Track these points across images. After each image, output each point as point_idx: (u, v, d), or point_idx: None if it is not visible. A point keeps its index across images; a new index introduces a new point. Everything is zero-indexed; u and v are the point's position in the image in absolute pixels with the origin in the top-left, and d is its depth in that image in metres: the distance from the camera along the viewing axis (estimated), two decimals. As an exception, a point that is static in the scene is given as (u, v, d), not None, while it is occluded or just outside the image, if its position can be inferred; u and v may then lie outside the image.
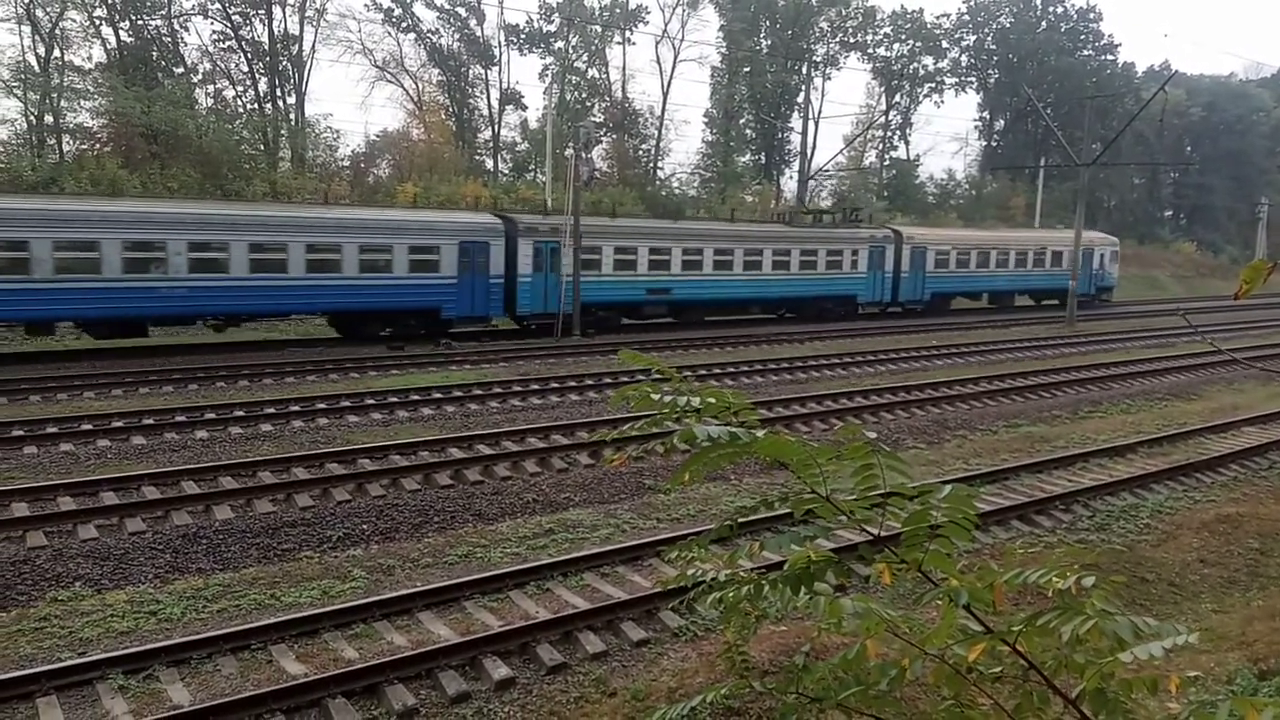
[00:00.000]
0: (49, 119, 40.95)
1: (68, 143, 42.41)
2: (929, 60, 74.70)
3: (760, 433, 2.31)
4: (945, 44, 75.61)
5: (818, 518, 2.47)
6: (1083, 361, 27.86)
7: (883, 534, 2.44)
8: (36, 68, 41.12)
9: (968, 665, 2.44)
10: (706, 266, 34.06)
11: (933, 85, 75.13)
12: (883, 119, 73.86)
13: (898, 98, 74.95)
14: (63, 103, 40.92)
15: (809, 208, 46.05)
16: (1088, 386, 23.68)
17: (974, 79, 77.59)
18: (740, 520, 2.74)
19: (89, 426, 16.03)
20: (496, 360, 25.49)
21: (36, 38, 41.75)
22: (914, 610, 8.38)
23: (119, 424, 16.30)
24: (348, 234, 26.57)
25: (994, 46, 77.88)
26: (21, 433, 15.51)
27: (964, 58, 77.51)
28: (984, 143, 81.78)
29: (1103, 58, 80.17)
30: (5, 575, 10.00)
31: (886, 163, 74.69)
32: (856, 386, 22.42)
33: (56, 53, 42.39)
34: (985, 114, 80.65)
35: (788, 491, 2.60)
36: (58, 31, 42.21)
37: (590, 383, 21.79)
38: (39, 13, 41.15)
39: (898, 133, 75.85)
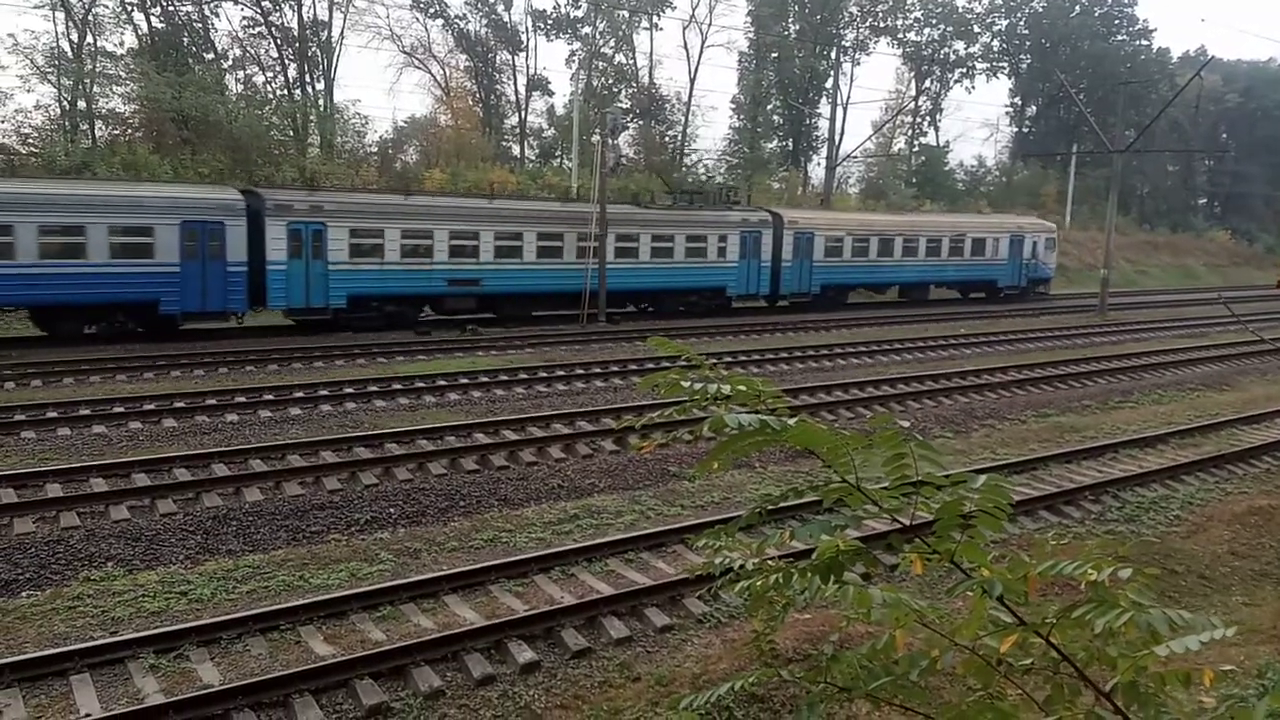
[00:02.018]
0: (82, 104, 41.38)
1: (100, 128, 42.86)
2: (960, 45, 73.77)
3: (791, 420, 2.30)
4: (977, 29, 74.61)
5: (847, 506, 2.46)
6: (1113, 351, 27.54)
7: (913, 523, 2.43)
8: (69, 53, 41.54)
9: (998, 657, 2.43)
10: (528, 254, 29.42)
11: (964, 70, 74.18)
12: (912, 105, 73.18)
13: (928, 83, 74.18)
14: (95, 88, 41.34)
15: (673, 187, 40.11)
16: (1118, 376, 23.41)
17: (1006, 64, 76.53)
18: (769, 508, 2.73)
19: (121, 409, 16.25)
20: (523, 346, 25.56)
21: (70, 24, 42.15)
22: (940, 600, 8.33)
23: (150, 407, 16.51)
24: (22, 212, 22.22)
25: (1026, 31, 76.78)
26: (55, 415, 15.73)
27: (996, 43, 76.44)
28: (1015, 129, 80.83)
29: (1137, 43, 78.83)
30: (40, 555, 10.16)
31: (916, 149, 73.98)
32: (883, 375, 22.29)
33: (89, 39, 42.80)
34: (1017, 100, 79.62)
35: (814, 480, 2.59)
36: (90, 17, 42.59)
37: (616, 369, 21.81)
38: (72, -1, 41.54)
39: (927, 119, 75.15)
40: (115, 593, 9.39)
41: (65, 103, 42.01)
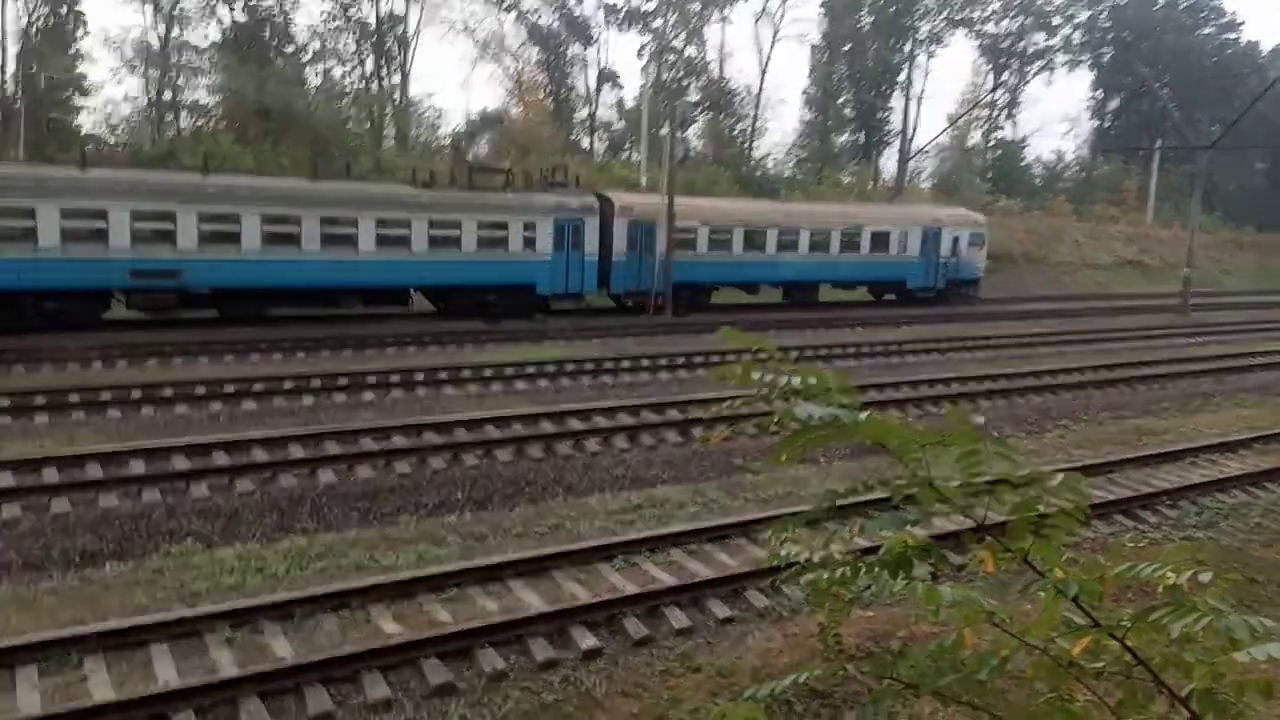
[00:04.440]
0: (167, 96, 42.73)
1: (184, 119, 44.22)
2: (1040, 37, 71.86)
3: (863, 415, 2.30)
4: (1057, 20, 72.56)
5: (917, 503, 2.44)
6: (1195, 352, 26.68)
7: (985, 522, 2.41)
8: (157, 46, 42.92)
9: (1069, 659, 2.40)
10: (250, 240, 24.22)
11: (1043, 63, 72.30)
12: (989, 98, 71.58)
13: (1005, 76, 72.40)
14: (180, 80, 42.67)
15: (475, 164, 33.44)
16: (1200, 378, 22.70)
17: (1087, 57, 74.32)
18: (837, 503, 2.73)
19: (203, 391, 16.78)
20: (590, 337, 25.71)
21: (157, 17, 43.57)
22: (1009, 601, 8.20)
23: (231, 389, 17.01)
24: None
25: (1108, 23, 74.45)
26: (139, 395, 16.31)
27: (1076, 35, 74.17)
28: (1095, 123, 78.52)
29: (1224, 36, 75.98)
30: (124, 528, 10.56)
31: (992, 143, 72.42)
32: (955, 372, 21.93)
33: (175, 32, 44.17)
34: (1098, 93, 77.32)
35: (880, 476, 2.58)
36: (177, 11, 43.96)
37: (681, 361, 21.82)
38: (161, -7, 42.90)
39: (1004, 112, 73.45)
40: (194, 567, 9.70)
41: (152, 94, 43.46)
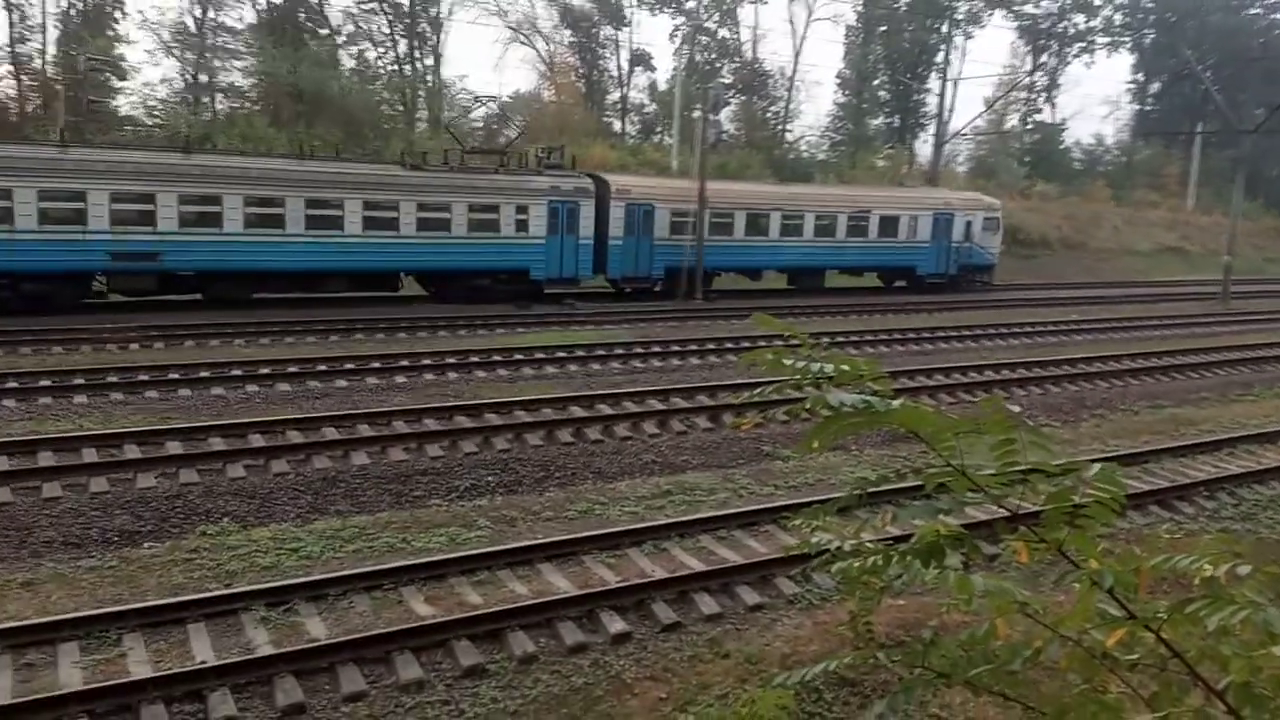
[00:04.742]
0: (204, 78, 43.13)
1: (220, 101, 44.63)
2: (1080, 18, 70.45)
3: (896, 402, 2.28)
4: (1098, 1, 71.27)
5: (950, 492, 2.43)
6: (1234, 341, 26.20)
7: (1019, 511, 2.39)
8: (193, 28, 43.31)
9: (1103, 650, 2.38)
10: (233, 222, 23.89)
11: (1083, 45, 70.87)
12: (1027, 80, 70.46)
13: (1044, 58, 71.18)
14: (216, 63, 43.04)
15: (465, 144, 32.32)
16: (1239, 368, 22.32)
17: (1128, 38, 72.86)
18: (869, 490, 2.71)
19: (239, 372, 16.99)
20: (620, 322, 25.72)
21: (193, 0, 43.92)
22: (1042, 592, 8.15)
23: (266, 371, 17.21)
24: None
25: (1150, 4, 72.88)
26: (177, 376, 16.55)
27: (1117, 16, 72.67)
28: (1136, 106, 77.04)
29: (1272, 16, 74.21)
30: (160, 509, 10.74)
31: (1030, 126, 71.33)
32: (988, 360, 21.72)
33: (211, 14, 44.55)
34: (1139, 76, 75.83)
35: (911, 464, 2.56)
36: (214, -6, 44.30)
37: (712, 347, 21.78)
38: (196, -25, 43.28)
39: (1043, 95, 72.23)
40: (230, 547, 9.86)
41: (188, 76, 43.88)
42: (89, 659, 7.48)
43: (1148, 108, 76.47)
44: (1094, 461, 2.30)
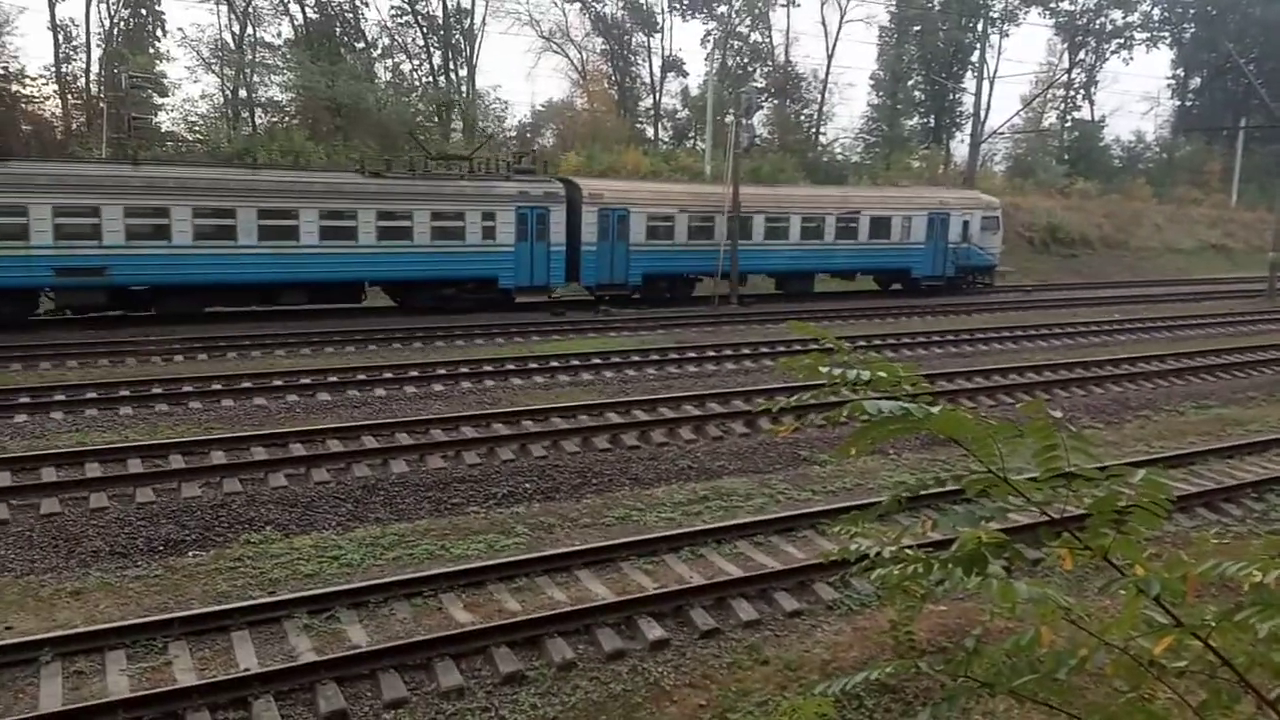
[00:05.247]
0: (243, 93, 43.84)
1: (259, 116, 45.33)
2: (1117, 14, 69.43)
3: (934, 408, 2.26)
4: (1135, -4, 70.14)
5: (991, 498, 2.40)
6: (1284, 340, 25.66)
7: (1062, 517, 2.35)
8: (232, 45, 44.05)
9: (1150, 658, 2.34)
10: (182, 235, 23.36)
11: (1121, 41, 69.83)
12: (1065, 78, 69.53)
13: (1082, 54, 70.20)
14: (255, 78, 43.74)
15: (434, 152, 31.93)
16: (1289, 367, 21.82)
17: (1167, 33, 71.69)
18: (908, 496, 2.69)
19: (280, 383, 17.21)
20: (655, 327, 25.74)
21: (232, 16, 44.72)
22: (1086, 598, 8.03)
23: (306, 381, 17.42)
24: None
25: (1190, -2, 71.80)
26: (219, 387, 16.81)
27: (1156, 10, 71.48)
28: (1177, 102, 75.81)
29: (1319, 7, 72.58)
30: (205, 517, 10.90)
31: (1068, 124, 70.40)
32: (1029, 361, 21.44)
33: (249, 30, 45.30)
34: (1179, 71, 74.58)
35: (951, 469, 2.54)
36: (250, 9, 45.07)
37: (748, 352, 21.72)
38: (235, -8, 44.05)
39: (1081, 92, 71.25)
40: (273, 555, 9.98)
41: (228, 92, 44.62)
42: (136, 667, 7.60)
43: (1188, 103, 75.17)
44: (1138, 464, 2.27)
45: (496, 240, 27.06)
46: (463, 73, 52.23)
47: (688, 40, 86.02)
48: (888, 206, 34.26)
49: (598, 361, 20.06)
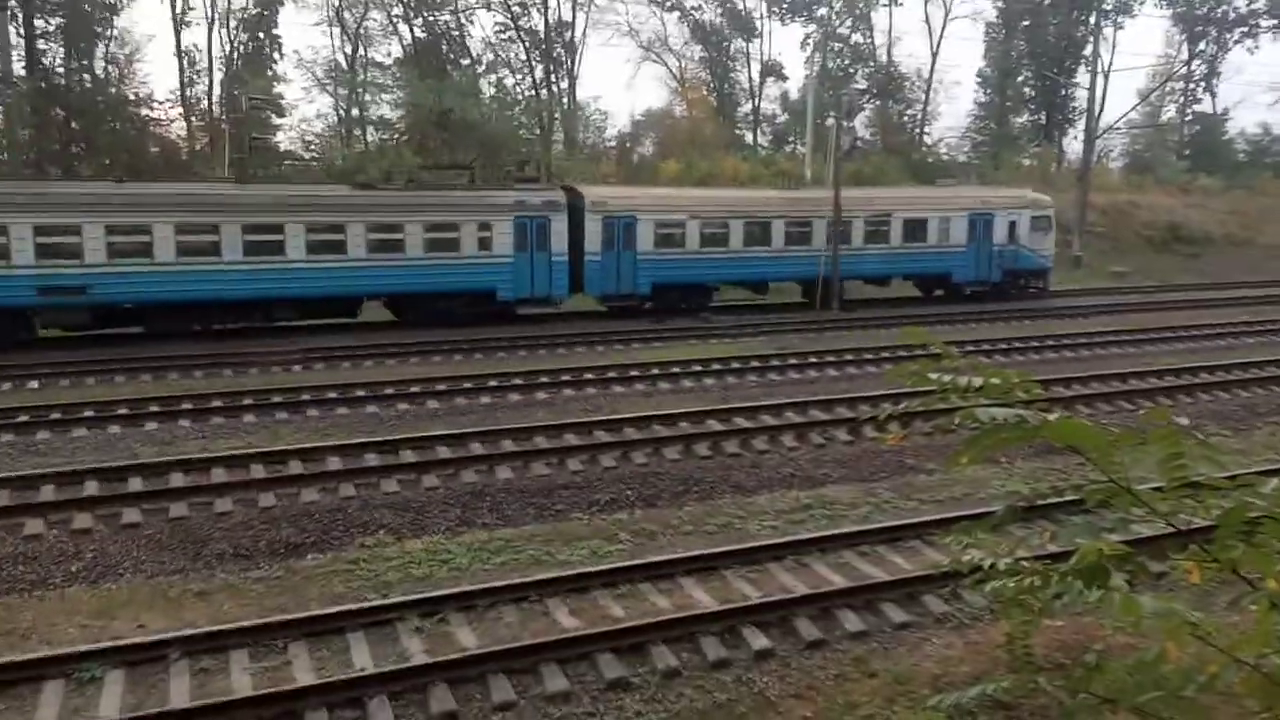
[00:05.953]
0: (355, 112, 45.48)
1: (371, 133, 46.94)
2: (1241, 1, 66.03)
3: (1052, 416, 2.20)
4: (1262, -19, 66.50)
5: (1112, 509, 2.32)
6: None
7: (1188, 528, 2.27)
8: (345, 65, 45.76)
9: (1286, 677, 2.23)
10: (164, 252, 22.94)
11: (1245, 29, 66.26)
12: (1184, 69, 66.41)
13: (1202, 45, 66.92)
14: (366, 97, 45.32)
15: (427, 163, 31.09)
16: None
17: (1297, 20, 67.75)
18: (1024, 506, 2.62)
19: (391, 391, 17.75)
20: (755, 334, 25.60)
21: (344, 38, 46.46)
22: (1214, 612, 7.63)
23: (416, 389, 17.91)
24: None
25: (1323, -20, 67.64)
26: (335, 395, 17.42)
27: (1285, -5, 67.78)
28: (1309, 91, 71.52)
29: None
30: (322, 521, 11.31)
31: (1188, 118, 67.24)
32: (1149, 366, 20.54)
33: (361, 51, 47.01)
34: (1312, 58, 70.35)
35: (1068, 478, 2.46)
36: (361, 31, 46.75)
37: (850, 358, 21.39)
38: (346, 15, 45.75)
39: (1201, 84, 67.92)
40: (386, 558, 10.29)
41: (341, 111, 46.35)
42: (258, 665, 7.93)
43: (1323, 91, 70.84)
44: (1270, 474, 2.16)
45: (494, 251, 26.37)
46: (564, 85, 53.08)
47: (787, 44, 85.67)
48: (922, 207, 32.20)
49: (698, 369, 20.05)
